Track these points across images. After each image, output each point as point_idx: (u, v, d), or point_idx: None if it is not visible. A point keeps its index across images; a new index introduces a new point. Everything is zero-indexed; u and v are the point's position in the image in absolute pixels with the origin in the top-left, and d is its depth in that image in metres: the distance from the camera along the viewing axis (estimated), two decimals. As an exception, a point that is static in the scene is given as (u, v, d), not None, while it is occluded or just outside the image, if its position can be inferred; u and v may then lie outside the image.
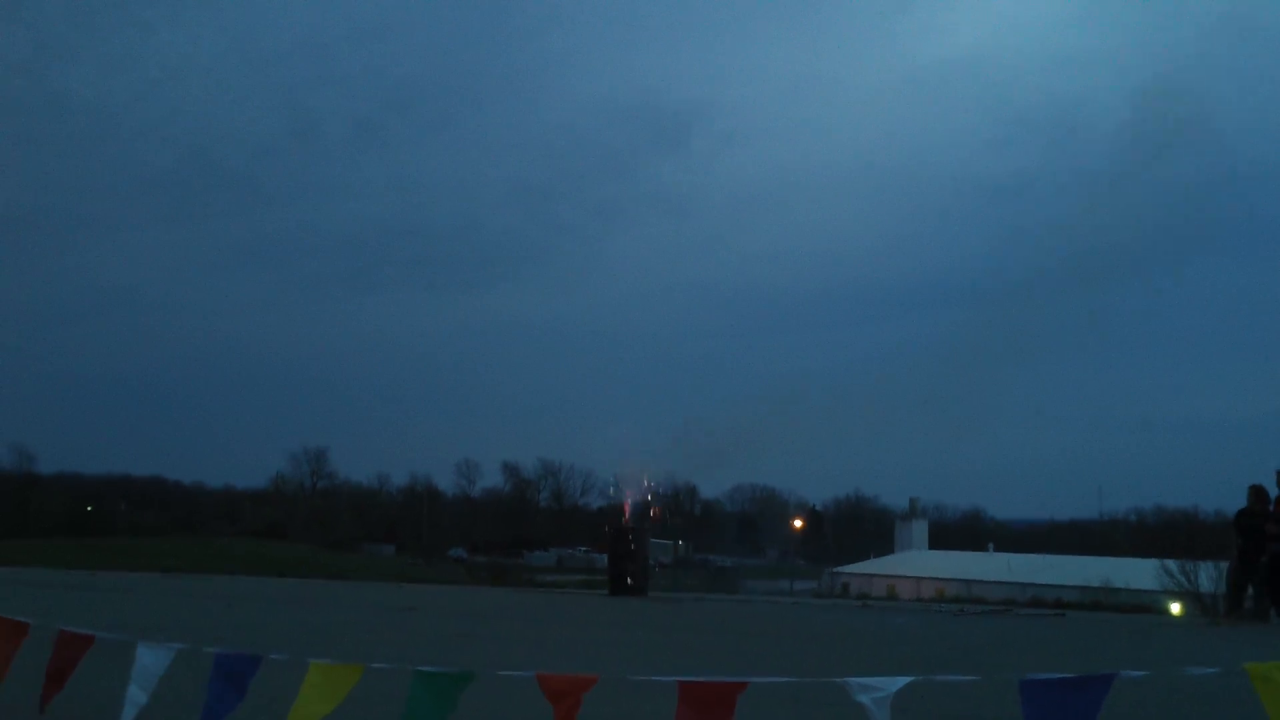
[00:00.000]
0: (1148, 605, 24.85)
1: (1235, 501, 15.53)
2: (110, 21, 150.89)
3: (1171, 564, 35.49)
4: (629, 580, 20.89)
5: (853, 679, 3.12)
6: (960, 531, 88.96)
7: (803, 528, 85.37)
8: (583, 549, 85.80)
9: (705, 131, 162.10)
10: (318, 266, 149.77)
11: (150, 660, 4.01)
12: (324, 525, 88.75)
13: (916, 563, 63.61)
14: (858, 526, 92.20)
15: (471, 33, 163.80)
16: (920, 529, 72.34)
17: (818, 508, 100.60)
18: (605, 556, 24.53)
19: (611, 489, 23.30)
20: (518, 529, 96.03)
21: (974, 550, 69.47)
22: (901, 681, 3.09)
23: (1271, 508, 14.91)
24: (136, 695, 3.92)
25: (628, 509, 22.21)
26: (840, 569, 65.73)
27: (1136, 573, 42.95)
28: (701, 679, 3.33)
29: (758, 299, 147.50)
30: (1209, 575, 30.50)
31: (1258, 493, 15.09)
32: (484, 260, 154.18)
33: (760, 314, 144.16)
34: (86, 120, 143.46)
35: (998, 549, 67.89)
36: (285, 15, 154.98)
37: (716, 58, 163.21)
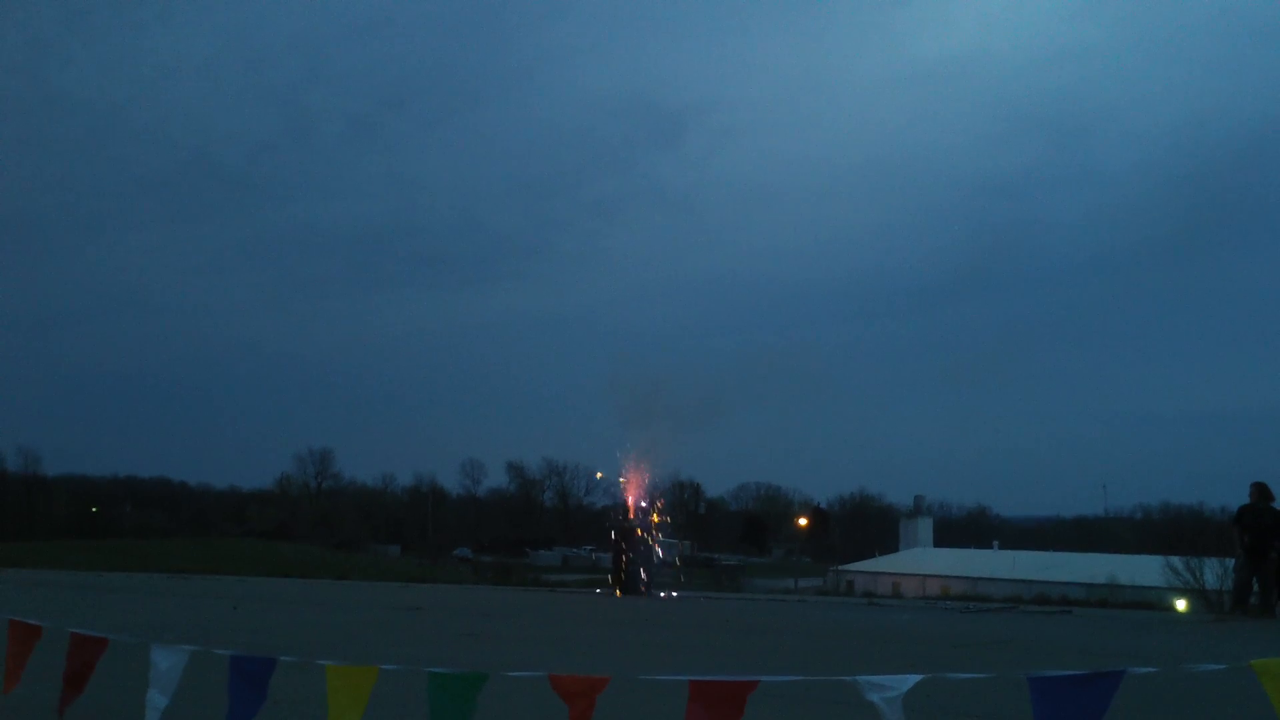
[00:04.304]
0: (1153, 602, 24.82)
1: (1240, 497, 15.53)
2: (104, 22, 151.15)
3: (1177, 560, 35.45)
4: (633, 579, 20.94)
5: (863, 678, 3.14)
6: (965, 529, 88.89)
7: (808, 526, 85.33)
8: (588, 548, 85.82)
9: (703, 127, 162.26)
10: (319, 265, 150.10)
11: (166, 663, 4.04)
12: (329, 526, 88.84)
13: (922, 560, 63.55)
14: (863, 524, 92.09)
15: (466, 29, 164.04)
16: (925, 526, 72.24)
17: (823, 505, 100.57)
18: (610, 555, 24.55)
19: (615, 486, 23.22)
20: (523, 528, 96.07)
21: (979, 548, 69.39)
22: (912, 680, 3.11)
23: (1278, 504, 14.91)
24: (157, 699, 3.95)
25: (632, 508, 22.23)
26: (845, 567, 65.69)
27: (1142, 569, 42.92)
28: (711, 678, 3.36)
29: (758, 294, 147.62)
30: (1214, 571, 30.48)
31: (1261, 489, 15.08)
32: (484, 258, 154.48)
33: (760, 309, 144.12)
34: (83, 121, 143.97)
35: (1003, 546, 67.79)
36: (278, 14, 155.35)
37: (714, 53, 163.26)
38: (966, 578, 53.39)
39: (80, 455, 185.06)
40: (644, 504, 22.26)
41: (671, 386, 23.72)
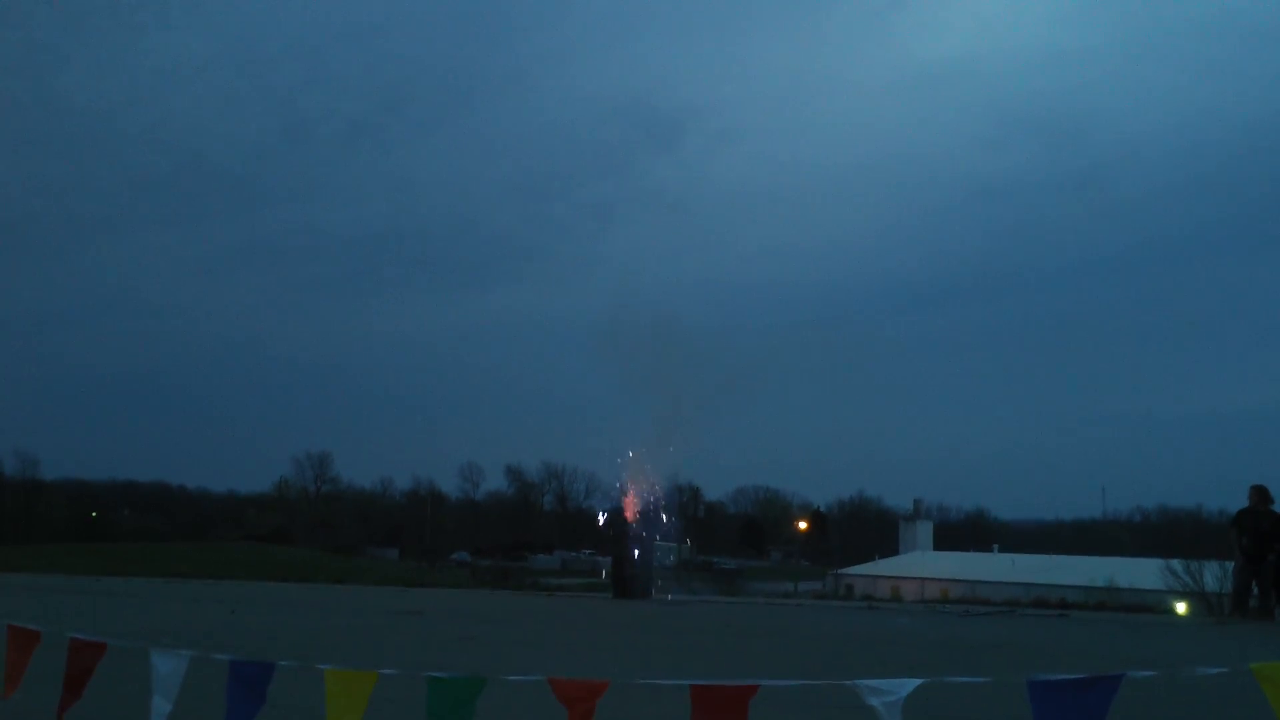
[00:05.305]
0: (1153, 605, 24.81)
1: (1239, 500, 15.54)
2: (101, 25, 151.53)
3: (1176, 563, 35.51)
4: (632, 583, 20.91)
5: (863, 682, 3.14)
6: (964, 532, 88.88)
7: (807, 529, 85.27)
8: (587, 552, 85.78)
9: (700, 130, 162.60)
10: (317, 268, 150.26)
11: (166, 668, 4.04)
12: (328, 529, 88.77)
13: (921, 564, 63.52)
14: (861, 527, 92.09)
15: (463, 32, 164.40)
16: (924, 530, 72.21)
17: (821, 509, 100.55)
18: (609, 559, 24.51)
19: (614, 491, 23.15)
20: (521, 532, 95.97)
21: (978, 551, 69.38)
22: (912, 684, 3.11)
23: (1277, 508, 14.92)
24: (161, 705, 3.95)
25: (631, 512, 22.19)
26: (844, 570, 65.65)
27: (1141, 572, 42.98)
28: (711, 682, 3.35)
29: (755, 296, 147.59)
30: (1214, 574, 30.49)
31: (1260, 492, 15.09)
32: (481, 260, 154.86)
33: (757, 312, 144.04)
34: (81, 123, 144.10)
35: (1002, 549, 67.80)
36: (275, 17, 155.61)
37: (711, 56, 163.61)
38: (965, 581, 53.38)
39: (78, 459, 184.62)
40: (646, 504, 22.21)
41: (674, 344, 23.18)
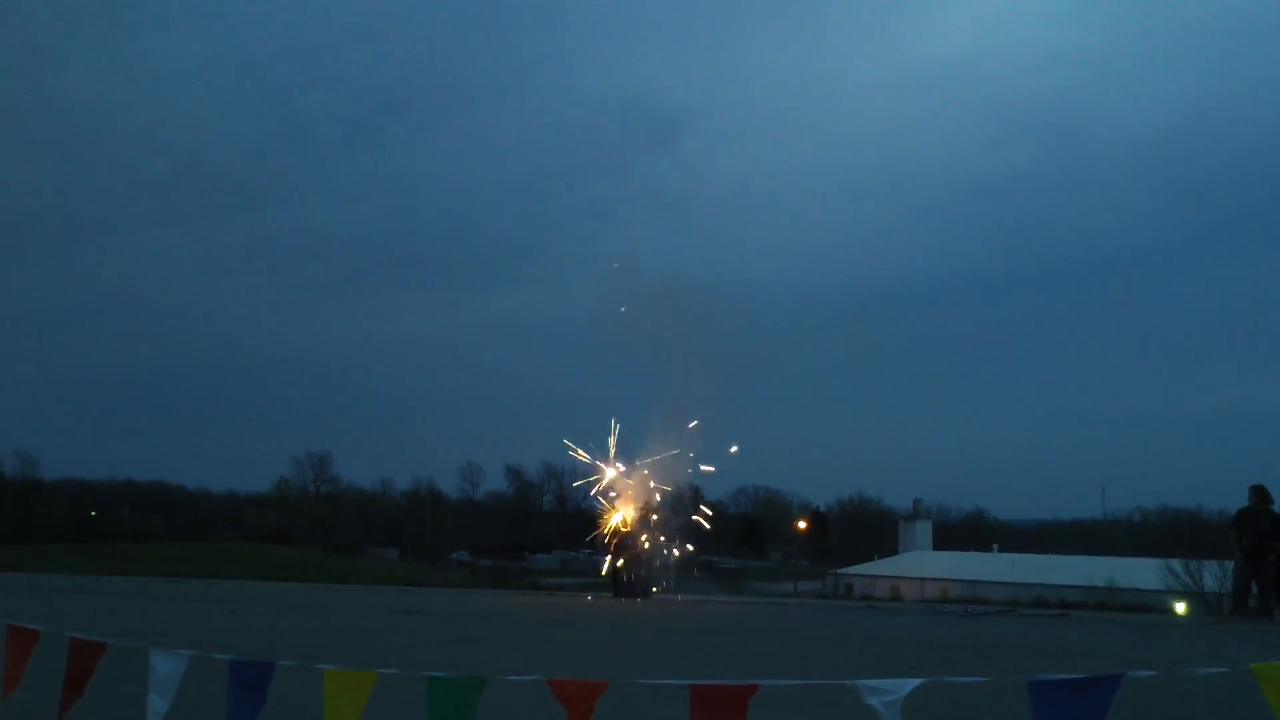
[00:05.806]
0: (1152, 605, 24.85)
1: (1239, 500, 15.56)
2: (100, 25, 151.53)
3: (1176, 563, 35.55)
4: (631, 583, 20.92)
5: (863, 681, 3.14)
6: (964, 532, 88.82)
7: (806, 529, 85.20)
8: (586, 552, 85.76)
9: (699, 130, 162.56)
10: (316, 268, 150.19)
11: (165, 668, 4.04)
12: (327, 529, 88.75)
13: (920, 564, 63.52)
14: (861, 527, 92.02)
15: (462, 32, 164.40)
16: (924, 529, 72.21)
17: (821, 509, 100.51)
18: (608, 559, 24.49)
19: (612, 493, 23.14)
20: (521, 532, 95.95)
21: (978, 550, 69.38)
22: (912, 684, 3.11)
23: (1276, 507, 14.93)
24: (157, 704, 3.95)
25: (632, 508, 22.18)
26: (844, 570, 65.69)
27: (1141, 572, 43.02)
28: (711, 682, 3.35)
29: (755, 297, 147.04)
30: (1213, 574, 30.52)
31: (1259, 492, 15.10)
32: (480, 260, 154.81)
33: (756, 313, 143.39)
34: (80, 123, 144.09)
35: (1001, 549, 67.80)
36: (274, 18, 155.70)
37: (709, 57, 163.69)
38: (965, 581, 53.45)
39: (78, 459, 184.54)
40: (645, 504, 22.20)
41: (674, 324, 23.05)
